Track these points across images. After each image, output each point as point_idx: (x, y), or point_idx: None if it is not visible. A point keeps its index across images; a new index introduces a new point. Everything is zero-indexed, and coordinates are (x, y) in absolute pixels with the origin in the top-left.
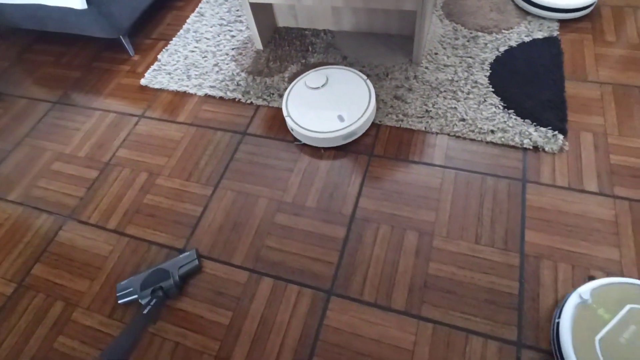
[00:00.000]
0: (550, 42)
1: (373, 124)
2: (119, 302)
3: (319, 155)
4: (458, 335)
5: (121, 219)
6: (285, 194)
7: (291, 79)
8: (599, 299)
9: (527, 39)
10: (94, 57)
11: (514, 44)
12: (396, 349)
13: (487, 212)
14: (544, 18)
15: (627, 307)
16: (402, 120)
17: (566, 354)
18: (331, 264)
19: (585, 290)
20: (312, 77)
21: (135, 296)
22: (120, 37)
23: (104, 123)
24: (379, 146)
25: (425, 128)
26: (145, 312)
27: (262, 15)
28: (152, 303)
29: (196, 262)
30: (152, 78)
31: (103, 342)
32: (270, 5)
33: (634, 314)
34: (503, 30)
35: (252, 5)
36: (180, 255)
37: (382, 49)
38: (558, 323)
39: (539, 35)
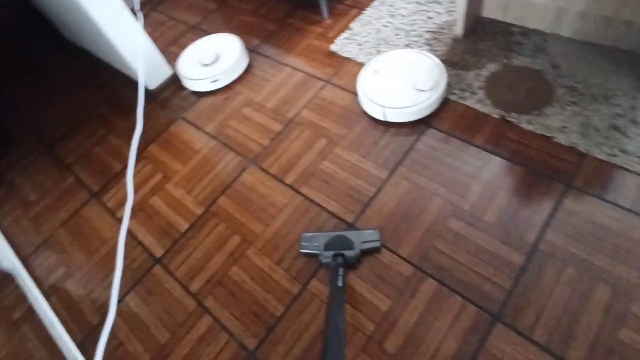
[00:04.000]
0: None
1: (573, 149)
2: (301, 250)
3: (508, 169)
4: None
5: (298, 177)
6: (463, 200)
7: (489, 78)
8: None
9: None
10: (289, 13)
11: None
12: None
13: None
14: None
15: None
16: (616, 156)
17: None
18: (502, 289)
19: None
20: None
21: (317, 252)
22: None
23: (292, 80)
24: (581, 178)
25: None
26: (339, 284)
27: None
28: (340, 273)
29: (379, 243)
30: (342, 46)
31: (268, 284)
32: None
33: None
34: None
35: None
36: (365, 231)
37: (607, 65)
38: None
39: None
